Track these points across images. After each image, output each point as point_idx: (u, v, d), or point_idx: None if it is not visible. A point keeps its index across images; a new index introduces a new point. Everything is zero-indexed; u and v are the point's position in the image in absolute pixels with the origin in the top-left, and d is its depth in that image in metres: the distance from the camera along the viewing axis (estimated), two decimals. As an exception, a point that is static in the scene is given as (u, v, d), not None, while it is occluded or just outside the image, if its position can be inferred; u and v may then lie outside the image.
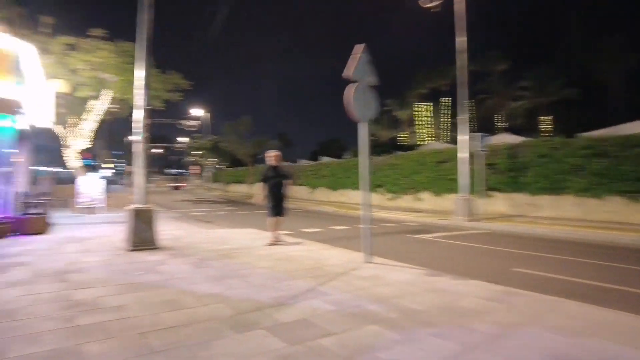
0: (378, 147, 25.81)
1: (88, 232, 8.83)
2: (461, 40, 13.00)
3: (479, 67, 31.30)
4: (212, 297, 4.05)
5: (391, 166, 19.90)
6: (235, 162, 40.43)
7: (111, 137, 47.76)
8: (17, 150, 9.95)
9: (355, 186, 22.60)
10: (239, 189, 40.07)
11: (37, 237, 7.83)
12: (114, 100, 15.36)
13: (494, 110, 34.89)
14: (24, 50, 8.41)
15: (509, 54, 38.25)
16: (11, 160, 8.91)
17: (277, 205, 7.37)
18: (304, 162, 30.24)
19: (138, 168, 7.30)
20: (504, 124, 34.18)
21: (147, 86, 7.35)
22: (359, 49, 6.03)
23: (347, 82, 5.90)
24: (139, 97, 7.32)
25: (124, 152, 71.93)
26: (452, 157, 16.66)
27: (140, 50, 7.26)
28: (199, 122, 39.40)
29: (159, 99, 15.98)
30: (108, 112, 16.56)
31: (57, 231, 8.91)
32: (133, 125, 7.33)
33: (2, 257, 5.77)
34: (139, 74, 7.29)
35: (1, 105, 8.15)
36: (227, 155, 39.71)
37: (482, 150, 13.52)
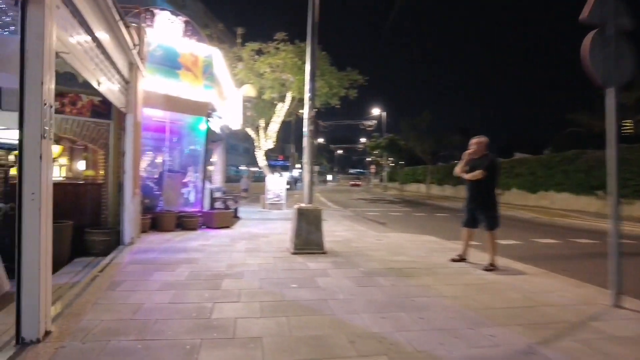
0: (590, 140, 20.26)
1: (265, 229, 8.90)
2: None
3: None
4: (373, 341, 2.82)
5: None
6: (413, 161, 38.76)
7: (300, 138, 52.77)
8: (212, 150, 11.02)
9: (560, 187, 18.28)
10: (416, 189, 38.37)
11: (221, 232, 8.18)
12: (294, 102, 15.99)
13: None
14: (213, 55, 9.00)
15: None
16: (207, 159, 9.74)
17: (473, 212, 5.41)
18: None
19: (305, 164, 6.78)
20: None
21: (313, 76, 6.73)
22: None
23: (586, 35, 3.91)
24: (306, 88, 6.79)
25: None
26: None
27: (309, 38, 6.71)
28: (375, 122, 39.35)
29: (336, 95, 15.90)
30: (293, 114, 17.45)
31: (240, 226, 9.30)
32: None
33: (181, 251, 5.92)
34: (308, 64, 6.75)
35: (196, 108, 8.86)
36: (404, 153, 38.43)
37: None
